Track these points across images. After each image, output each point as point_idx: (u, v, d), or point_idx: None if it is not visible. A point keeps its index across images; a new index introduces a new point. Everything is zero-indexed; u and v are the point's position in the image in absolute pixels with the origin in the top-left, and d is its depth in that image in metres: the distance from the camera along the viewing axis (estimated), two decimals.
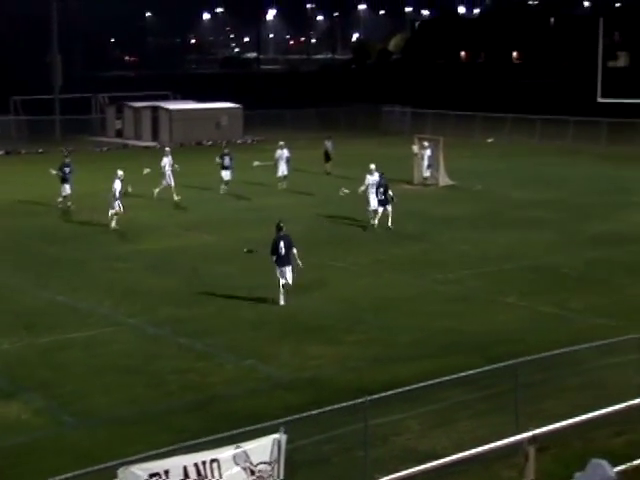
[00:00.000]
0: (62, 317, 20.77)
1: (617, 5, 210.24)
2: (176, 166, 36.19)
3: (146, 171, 35.60)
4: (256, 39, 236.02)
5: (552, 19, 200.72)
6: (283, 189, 38.39)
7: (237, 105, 60.57)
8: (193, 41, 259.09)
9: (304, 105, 68.58)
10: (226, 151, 38.32)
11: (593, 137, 53.64)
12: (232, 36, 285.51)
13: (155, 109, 58.38)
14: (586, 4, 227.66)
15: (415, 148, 39.89)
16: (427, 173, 39.30)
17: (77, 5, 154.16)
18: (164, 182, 35.75)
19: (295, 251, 21.24)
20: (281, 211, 33.39)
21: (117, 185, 30.76)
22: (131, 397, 16.21)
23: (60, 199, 34.09)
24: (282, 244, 21.12)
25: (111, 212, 30.56)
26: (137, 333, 19.65)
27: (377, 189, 29.83)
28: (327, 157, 43.82)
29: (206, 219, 32.40)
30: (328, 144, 44.07)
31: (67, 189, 33.98)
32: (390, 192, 29.90)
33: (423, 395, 13.69)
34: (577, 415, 13.12)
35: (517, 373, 13.14)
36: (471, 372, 13.57)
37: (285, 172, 38.89)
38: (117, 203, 30.51)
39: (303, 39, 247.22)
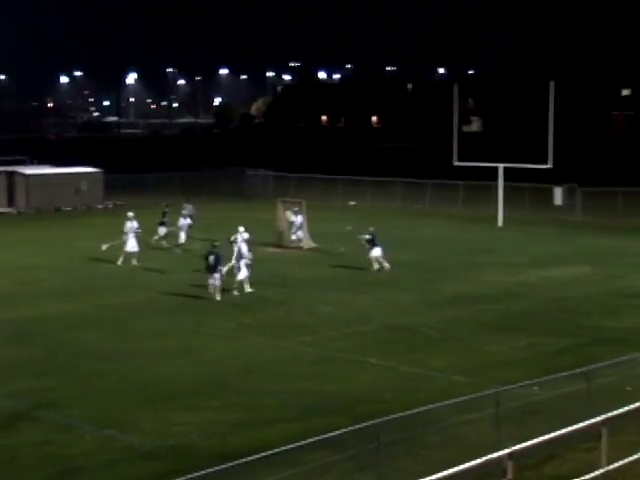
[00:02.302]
0: None
1: (470, 72, 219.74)
2: (139, 231, 35.69)
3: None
4: (116, 103, 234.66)
5: (409, 85, 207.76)
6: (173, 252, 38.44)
7: (97, 170, 59.72)
8: (51, 105, 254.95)
9: (167, 169, 68.36)
10: (167, 210, 39.95)
11: (450, 199, 55.47)
12: (91, 100, 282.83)
13: (11, 174, 56.86)
14: (441, 71, 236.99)
15: (290, 215, 40.24)
16: (293, 237, 39.81)
17: None
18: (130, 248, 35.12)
19: (221, 265, 28.72)
20: (146, 276, 33.08)
21: (242, 246, 30.49)
22: None
23: None
24: (212, 257, 28.48)
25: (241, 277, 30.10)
26: None
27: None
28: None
29: (67, 286, 31.64)
30: (188, 207, 44.25)
31: None
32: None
33: (288, 458, 13.67)
34: (436, 472, 13.34)
35: (379, 433, 13.29)
36: (335, 433, 13.66)
37: (183, 240, 39.53)
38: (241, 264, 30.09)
39: (164, 103, 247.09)
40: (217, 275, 28.66)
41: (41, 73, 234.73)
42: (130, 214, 35.99)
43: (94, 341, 24.09)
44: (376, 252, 34.47)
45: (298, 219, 39.73)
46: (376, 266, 34.35)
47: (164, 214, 39.91)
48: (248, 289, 29.88)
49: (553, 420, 16.48)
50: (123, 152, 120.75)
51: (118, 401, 19.14)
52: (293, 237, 39.87)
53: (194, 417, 18.09)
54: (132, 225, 35.34)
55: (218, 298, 28.67)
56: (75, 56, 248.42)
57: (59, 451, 16.43)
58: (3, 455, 16.28)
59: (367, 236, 34.78)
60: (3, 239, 43.77)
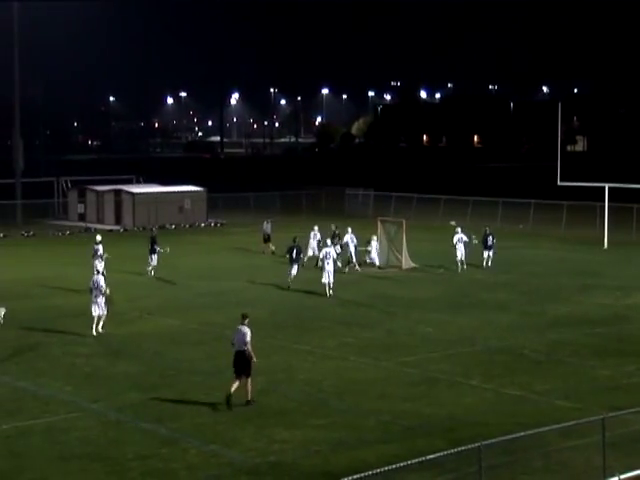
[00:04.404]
0: (23, 403, 20.46)
1: (575, 91, 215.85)
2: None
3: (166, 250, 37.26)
4: (219, 123, 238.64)
5: (512, 104, 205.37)
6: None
7: (201, 188, 60.89)
8: (157, 125, 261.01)
9: (268, 188, 69.16)
10: (336, 231, 40.16)
11: (553, 220, 54.53)
12: (195, 120, 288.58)
13: (118, 192, 58.50)
14: (545, 89, 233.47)
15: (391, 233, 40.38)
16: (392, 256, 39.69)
17: (41, 90, 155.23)
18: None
19: (302, 255, 36.00)
20: (244, 294, 33.48)
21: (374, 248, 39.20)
22: None
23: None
24: (295, 250, 34.64)
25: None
26: (99, 419, 19.37)
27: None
28: (267, 238, 44.80)
29: (172, 303, 32.22)
30: (267, 226, 45.04)
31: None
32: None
33: (388, 479, 13.61)
34: None
35: (481, 456, 13.13)
36: (436, 455, 13.54)
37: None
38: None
39: (266, 123, 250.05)
40: (296, 266, 34.23)
41: (148, 95, 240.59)
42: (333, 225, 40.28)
43: (199, 357, 24.46)
44: (486, 252, 39.39)
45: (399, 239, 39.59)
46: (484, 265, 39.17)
47: (334, 235, 39.45)
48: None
49: None
50: (227, 171, 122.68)
51: (221, 416, 19.38)
52: (391, 257, 39.68)
53: (295, 435, 18.17)
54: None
55: (290, 280, 34.02)
56: (180, 78, 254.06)
57: (163, 465, 16.68)
58: (113, 466, 16.64)
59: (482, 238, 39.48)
60: (111, 255, 44.88)
